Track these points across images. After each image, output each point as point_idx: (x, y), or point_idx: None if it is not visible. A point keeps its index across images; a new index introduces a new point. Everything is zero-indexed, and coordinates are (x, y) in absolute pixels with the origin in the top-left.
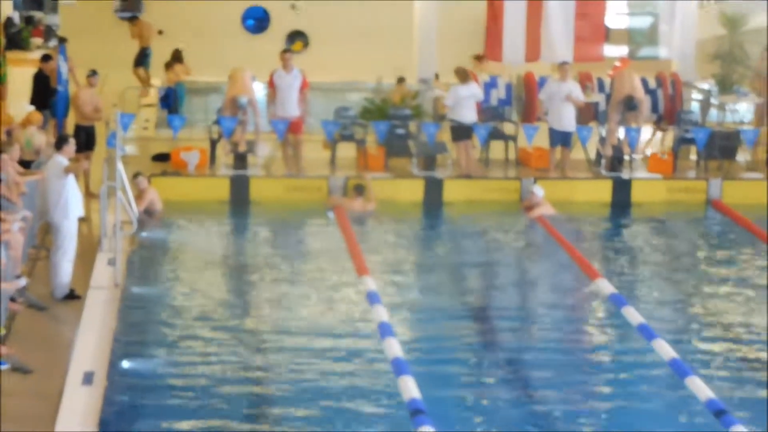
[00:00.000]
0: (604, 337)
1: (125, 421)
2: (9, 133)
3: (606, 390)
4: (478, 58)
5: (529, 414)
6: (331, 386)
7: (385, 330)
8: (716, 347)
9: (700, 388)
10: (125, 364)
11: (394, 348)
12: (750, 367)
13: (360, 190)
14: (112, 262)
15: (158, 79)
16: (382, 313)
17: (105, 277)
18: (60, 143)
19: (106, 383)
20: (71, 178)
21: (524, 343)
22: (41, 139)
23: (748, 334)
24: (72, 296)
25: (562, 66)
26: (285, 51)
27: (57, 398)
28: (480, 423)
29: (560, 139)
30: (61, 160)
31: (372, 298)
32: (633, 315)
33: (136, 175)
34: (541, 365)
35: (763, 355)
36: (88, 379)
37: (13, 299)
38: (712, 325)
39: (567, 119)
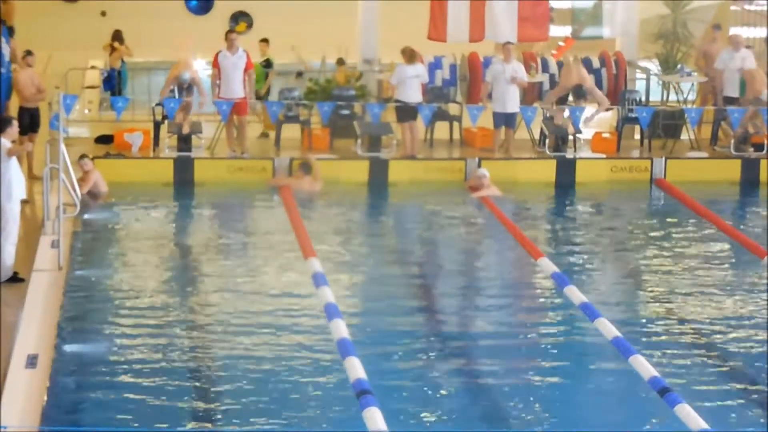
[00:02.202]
0: (548, 317)
1: (70, 404)
2: None
3: (549, 368)
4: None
5: (473, 392)
6: (276, 367)
7: (331, 311)
8: (660, 326)
9: (643, 366)
10: (69, 347)
11: (340, 329)
12: (694, 344)
13: (306, 168)
14: (55, 245)
15: (100, 61)
16: (328, 295)
17: (48, 259)
18: (2, 125)
19: (50, 366)
20: (13, 160)
21: (468, 322)
22: None
23: (692, 311)
24: (15, 279)
25: (505, 46)
26: (230, 32)
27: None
28: (426, 403)
29: (504, 120)
30: (4, 142)
31: (318, 279)
32: (575, 294)
33: (81, 157)
34: (485, 345)
35: (705, 330)
36: (31, 362)
37: None
38: (655, 302)
39: (511, 100)
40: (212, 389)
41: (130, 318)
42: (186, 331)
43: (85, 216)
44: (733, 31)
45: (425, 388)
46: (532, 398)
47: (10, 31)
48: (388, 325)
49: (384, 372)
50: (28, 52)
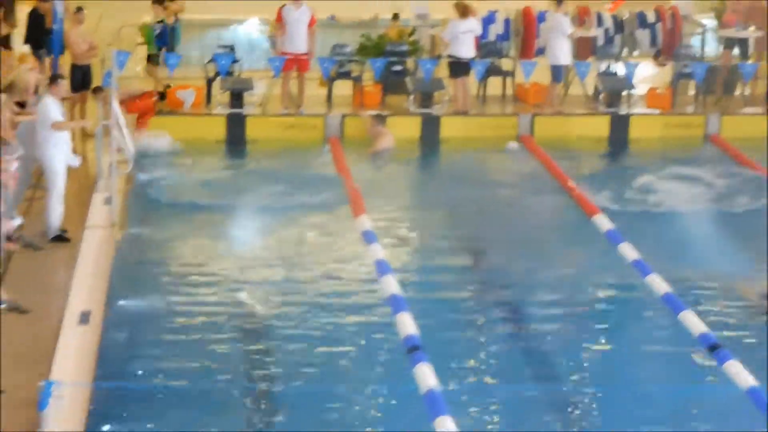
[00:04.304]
0: (600, 274)
1: (122, 360)
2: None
3: (600, 327)
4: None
5: (524, 350)
6: (327, 326)
7: (382, 267)
8: (711, 283)
9: (693, 322)
10: (122, 303)
11: (390, 285)
12: (746, 306)
13: (381, 120)
14: (108, 202)
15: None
16: (378, 251)
17: (101, 217)
18: (51, 82)
19: (102, 323)
20: (59, 118)
21: (519, 279)
22: (32, 78)
23: (744, 269)
24: (61, 238)
25: (559, 0)
26: None
27: (53, 338)
28: (477, 360)
29: (558, 74)
30: (51, 100)
31: (368, 236)
32: (628, 251)
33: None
34: (536, 301)
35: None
36: (84, 318)
37: (9, 239)
38: (706, 260)
39: (564, 54)
40: (262, 347)
41: (182, 276)
42: (237, 289)
43: (139, 174)
44: None
45: (476, 346)
46: (582, 356)
47: None
48: (439, 281)
49: (435, 329)
50: (79, 9)
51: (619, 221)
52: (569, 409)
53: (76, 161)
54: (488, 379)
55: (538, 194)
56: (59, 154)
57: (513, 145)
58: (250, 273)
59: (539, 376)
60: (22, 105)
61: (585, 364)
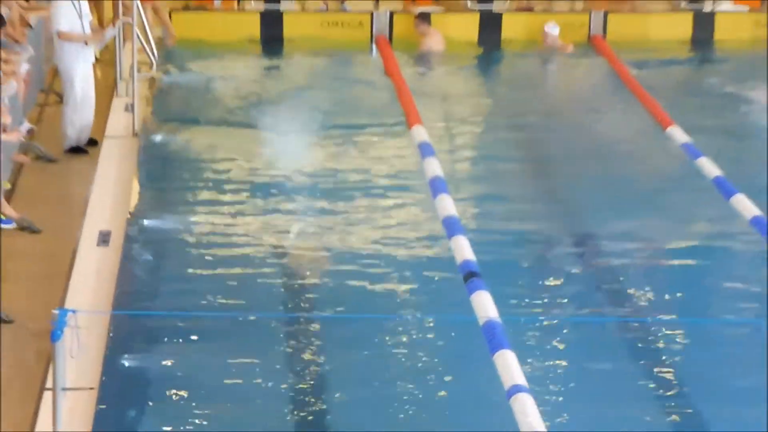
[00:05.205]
0: (675, 189)
1: (143, 283)
2: None
3: (674, 247)
4: None
5: (591, 275)
6: (375, 254)
7: (437, 186)
8: None
9: (745, 206)
10: (145, 223)
11: (447, 206)
12: None
13: (426, 19)
14: (129, 109)
15: None
16: (434, 167)
17: (122, 125)
18: None
19: (123, 244)
20: (66, 26)
21: (587, 195)
22: None
23: None
24: (78, 149)
25: None
26: None
27: (69, 259)
28: (539, 287)
29: None
30: (65, 2)
31: (424, 149)
32: (707, 167)
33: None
34: (604, 218)
35: None
36: (104, 239)
37: (21, 150)
38: None
39: None
40: (301, 275)
41: (209, 190)
42: (273, 211)
43: (163, 78)
44: None
45: (539, 271)
46: (655, 279)
47: None
48: (499, 200)
49: (494, 253)
50: None
51: (699, 135)
52: (641, 343)
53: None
54: (554, 306)
55: (609, 103)
56: (77, 60)
57: (552, 27)
58: (287, 191)
59: (610, 301)
60: None
61: (659, 286)
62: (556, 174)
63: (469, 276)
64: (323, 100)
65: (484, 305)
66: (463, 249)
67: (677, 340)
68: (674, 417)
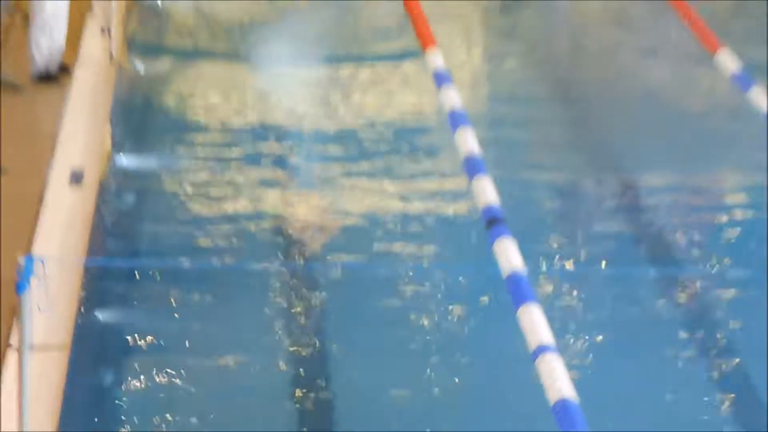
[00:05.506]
0: (722, 122)
1: (121, 229)
2: None
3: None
4: None
5: (628, 221)
6: (383, 194)
7: (457, 118)
8: None
9: None
10: (123, 161)
11: (468, 142)
12: None
13: None
14: (106, 32)
15: None
16: (452, 97)
17: (97, 50)
18: None
19: (98, 184)
20: None
21: (621, 131)
22: None
23: None
24: (47, 77)
25: None
26: None
27: (37, 201)
28: (572, 236)
29: None
30: None
31: (440, 78)
32: (759, 98)
33: None
34: (644, 166)
35: None
36: (75, 178)
37: None
38: None
39: None
40: (292, 220)
41: (195, 127)
42: (262, 144)
43: None
44: None
45: (571, 222)
46: (702, 230)
47: None
48: (525, 135)
49: (519, 196)
50: None
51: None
52: (685, 299)
53: None
54: (588, 260)
55: (647, 23)
56: None
57: None
58: (284, 132)
59: (653, 260)
60: None
61: (710, 247)
62: (591, 113)
63: (492, 222)
64: (326, 27)
65: (508, 254)
66: (486, 191)
67: (725, 297)
68: (715, 374)
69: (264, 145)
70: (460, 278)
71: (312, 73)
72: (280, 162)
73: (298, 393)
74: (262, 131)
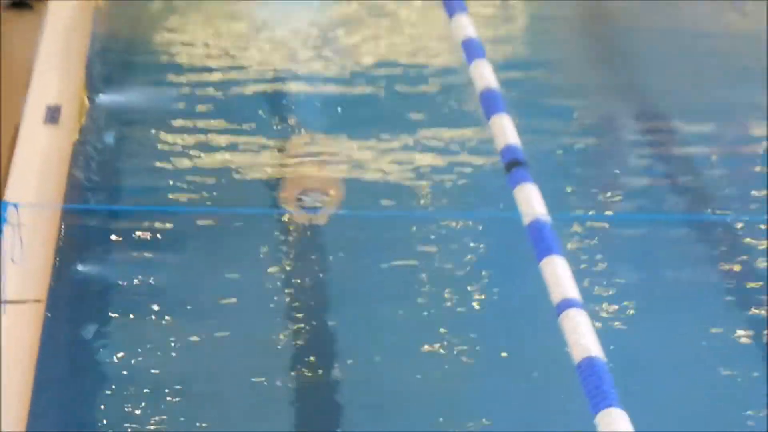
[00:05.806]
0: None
1: (102, 171)
2: None
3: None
4: None
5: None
6: (392, 134)
7: (472, 49)
8: None
9: None
10: (103, 97)
11: (485, 77)
12: None
13: None
14: None
15: None
16: (466, 26)
17: None
18: None
19: (77, 121)
20: None
21: (657, 82)
22: None
23: None
24: (21, 4)
25: None
26: None
27: (9, 141)
28: (601, 184)
29: None
30: None
31: (452, 5)
32: None
33: None
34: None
35: None
36: (51, 116)
37: None
38: None
39: None
40: (289, 166)
41: (187, 61)
42: (260, 81)
43: None
44: None
45: (597, 162)
46: (741, 173)
47: None
48: (546, 73)
49: (541, 140)
50: None
51: None
52: (723, 247)
53: None
54: (610, 204)
55: None
56: None
57: None
58: (282, 69)
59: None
60: None
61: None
62: (620, 44)
63: (513, 164)
64: None
65: (530, 201)
66: (506, 131)
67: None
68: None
69: (260, 85)
70: (480, 226)
71: (314, 7)
72: (278, 93)
73: (295, 328)
74: (260, 70)
